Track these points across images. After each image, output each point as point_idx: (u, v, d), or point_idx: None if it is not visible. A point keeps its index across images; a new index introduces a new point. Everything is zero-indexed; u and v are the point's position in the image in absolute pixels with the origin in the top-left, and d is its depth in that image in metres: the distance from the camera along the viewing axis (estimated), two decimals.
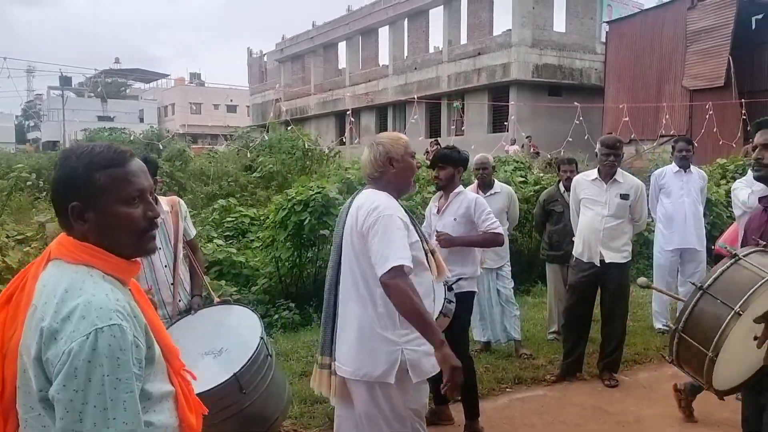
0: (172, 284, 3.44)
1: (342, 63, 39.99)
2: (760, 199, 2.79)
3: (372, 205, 2.65)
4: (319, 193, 6.85)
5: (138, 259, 1.60)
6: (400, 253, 2.54)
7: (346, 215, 2.81)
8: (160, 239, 3.42)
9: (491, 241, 4.06)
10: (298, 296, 7.01)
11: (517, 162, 12.27)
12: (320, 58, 40.32)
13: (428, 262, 2.86)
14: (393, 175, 2.77)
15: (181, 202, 3.70)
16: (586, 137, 16.21)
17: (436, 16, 31.88)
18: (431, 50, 33.03)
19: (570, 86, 26.56)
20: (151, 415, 1.47)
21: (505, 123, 23.27)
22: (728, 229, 5.10)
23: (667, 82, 21.18)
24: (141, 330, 1.46)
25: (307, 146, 13.62)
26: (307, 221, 6.70)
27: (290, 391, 3.67)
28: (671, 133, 18.87)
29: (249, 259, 7.34)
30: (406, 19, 33.25)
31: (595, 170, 5.02)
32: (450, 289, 3.53)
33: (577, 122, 17.32)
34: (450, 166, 4.13)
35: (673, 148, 6.49)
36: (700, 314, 2.30)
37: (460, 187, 4.23)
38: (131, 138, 21.18)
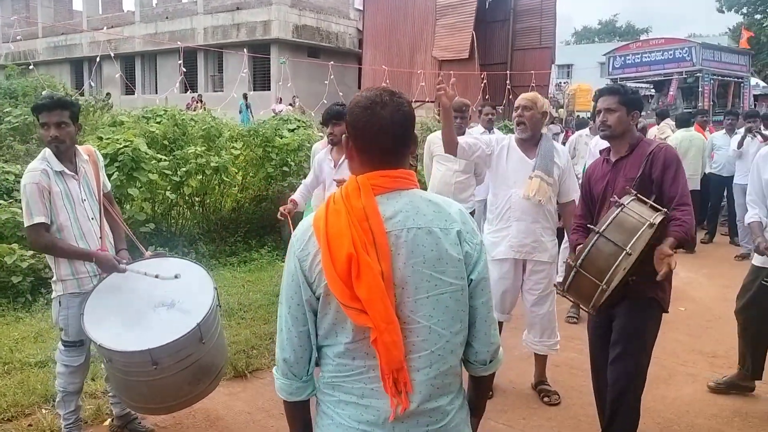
0: (99, 238, 3.15)
1: (77, 5, 35.80)
2: (601, 151, 3.43)
3: None
4: (127, 146, 6.34)
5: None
6: None
7: None
8: (84, 191, 3.07)
9: None
10: None
11: (299, 120, 12.37)
12: None
13: None
14: None
15: (97, 151, 3.35)
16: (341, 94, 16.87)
17: None
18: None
19: (327, 49, 27.27)
20: None
21: (267, 82, 23.07)
22: None
23: (419, 51, 22.93)
24: None
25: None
26: (114, 177, 6.19)
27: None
28: (425, 99, 20.60)
29: None
30: None
31: None
32: None
33: (326, 82, 17.71)
34: (343, 123, 4.23)
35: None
36: (596, 253, 2.73)
37: None
38: None
